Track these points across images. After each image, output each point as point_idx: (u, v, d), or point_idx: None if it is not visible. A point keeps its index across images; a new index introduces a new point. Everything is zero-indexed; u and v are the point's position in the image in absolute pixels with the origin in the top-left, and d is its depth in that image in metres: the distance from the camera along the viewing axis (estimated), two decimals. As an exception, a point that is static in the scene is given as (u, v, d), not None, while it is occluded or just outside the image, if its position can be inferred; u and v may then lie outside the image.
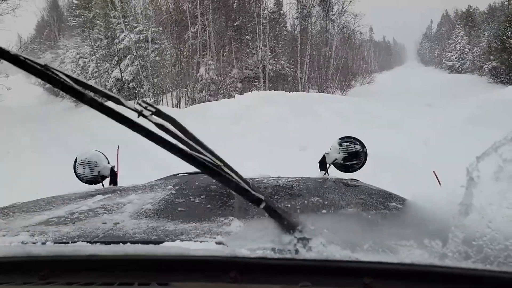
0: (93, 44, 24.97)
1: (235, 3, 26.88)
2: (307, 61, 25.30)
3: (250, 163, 8.72)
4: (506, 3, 35.63)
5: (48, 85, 36.22)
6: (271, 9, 28.14)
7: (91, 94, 0.69)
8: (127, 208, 1.12)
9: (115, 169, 1.93)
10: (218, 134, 11.15)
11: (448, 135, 9.83)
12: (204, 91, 21.72)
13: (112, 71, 24.64)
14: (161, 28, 22.85)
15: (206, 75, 21.72)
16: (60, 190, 1.60)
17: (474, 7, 52.17)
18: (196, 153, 0.70)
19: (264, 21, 23.77)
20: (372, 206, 1.15)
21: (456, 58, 48.45)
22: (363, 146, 1.81)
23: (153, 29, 22.24)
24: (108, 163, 1.92)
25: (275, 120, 11.65)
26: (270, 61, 24.26)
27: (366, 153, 1.81)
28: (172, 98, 20.67)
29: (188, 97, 21.17)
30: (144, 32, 22.47)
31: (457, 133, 9.92)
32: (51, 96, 38.15)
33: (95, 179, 1.87)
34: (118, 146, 2.26)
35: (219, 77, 22.04)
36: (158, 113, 0.71)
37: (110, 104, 0.69)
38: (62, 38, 34.47)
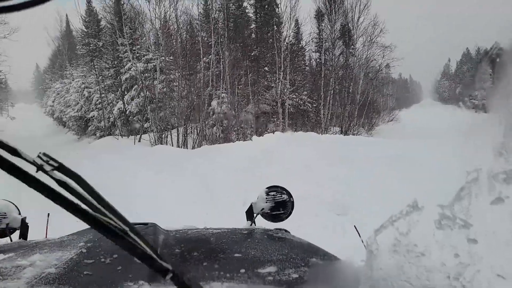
0: (97, 73, 23.07)
1: (253, 33, 24.97)
2: (330, 97, 22.92)
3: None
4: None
5: (56, 115, 34.72)
6: (290, 41, 26.19)
7: None
8: (26, 273, 1.02)
9: (27, 220, 1.77)
10: (228, 186, 8.66)
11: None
12: (215, 127, 19.38)
13: (117, 103, 22.63)
14: (171, 58, 20.89)
15: (218, 109, 19.45)
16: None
17: (502, 45, 49.93)
18: (99, 215, 0.63)
19: (285, 51, 21.67)
20: (292, 264, 1.11)
21: (483, 96, 45.90)
22: (290, 195, 1.79)
23: (162, 58, 20.27)
24: (19, 214, 1.78)
25: (301, 169, 9.10)
26: (290, 95, 21.90)
27: (293, 203, 1.78)
28: (178, 135, 18.28)
29: (197, 133, 18.82)
30: (153, 61, 20.52)
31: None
32: (60, 126, 36.78)
33: (3, 232, 1.71)
34: (49, 214, 2.02)
35: (233, 112, 19.73)
36: (62, 169, 0.64)
37: (3, 153, 0.59)
38: (69, 67, 33.02)
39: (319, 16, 25.23)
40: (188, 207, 7.67)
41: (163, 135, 18.28)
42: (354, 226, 1.72)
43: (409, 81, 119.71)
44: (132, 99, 21.76)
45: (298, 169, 8.87)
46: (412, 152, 10.08)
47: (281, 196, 1.78)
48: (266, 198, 1.77)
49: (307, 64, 29.12)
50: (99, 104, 23.89)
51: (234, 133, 19.21)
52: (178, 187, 8.58)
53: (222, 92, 20.26)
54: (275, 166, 8.87)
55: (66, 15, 47.13)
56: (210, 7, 22.78)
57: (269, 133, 20.09)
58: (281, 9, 23.33)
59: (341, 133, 22.83)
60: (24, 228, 1.74)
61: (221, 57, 21.50)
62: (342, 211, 7.70)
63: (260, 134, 19.73)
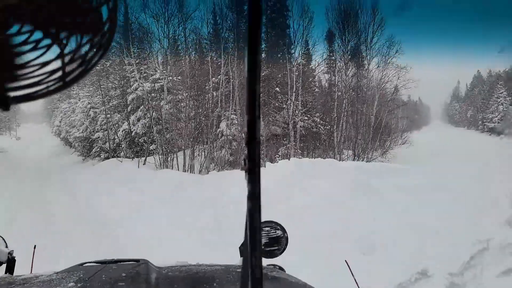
0: (103, 93, 22.51)
1: (264, 53, 24.37)
2: (343, 119, 22.02)
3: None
4: None
5: (62, 135, 34.21)
6: (300, 62, 25.57)
7: None
8: None
9: (14, 254, 1.71)
10: (240, 223, 7.73)
11: None
12: (224, 150, 18.52)
13: (123, 123, 21.93)
14: (179, 78, 20.23)
15: (227, 131, 18.62)
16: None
17: (516, 67, 48.91)
18: None
19: (296, 72, 20.94)
20: None
21: (498, 119, 44.76)
22: (284, 231, 1.75)
23: (169, 78, 19.62)
24: (6, 247, 1.72)
25: (322, 201, 8.14)
26: (302, 116, 21.03)
27: (287, 238, 1.74)
28: (185, 157, 17.41)
29: (205, 156, 17.94)
30: (160, 81, 19.87)
31: None
32: (66, 146, 36.33)
33: None
34: (35, 246, 1.93)
35: (243, 134, 18.88)
36: None
37: None
38: (76, 87, 32.69)
39: (331, 36, 24.61)
40: (193, 241, 6.79)
41: (169, 158, 17.42)
42: (345, 261, 1.63)
43: (418, 103, 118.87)
44: (138, 119, 21.06)
45: (318, 201, 7.91)
46: (440, 180, 9.09)
47: (275, 231, 1.74)
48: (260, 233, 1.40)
49: (317, 85, 28.41)
50: (104, 125, 23.22)
51: (244, 156, 18.34)
52: (183, 220, 7.68)
53: (232, 113, 19.48)
54: (292, 198, 7.92)
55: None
56: (220, 26, 22.26)
57: (280, 156, 19.21)
58: (293, 29, 22.77)
59: (354, 157, 21.88)
60: (11, 262, 1.69)
61: (230, 77, 20.81)
62: (368, 249, 6.75)
63: (270, 157, 18.82)
